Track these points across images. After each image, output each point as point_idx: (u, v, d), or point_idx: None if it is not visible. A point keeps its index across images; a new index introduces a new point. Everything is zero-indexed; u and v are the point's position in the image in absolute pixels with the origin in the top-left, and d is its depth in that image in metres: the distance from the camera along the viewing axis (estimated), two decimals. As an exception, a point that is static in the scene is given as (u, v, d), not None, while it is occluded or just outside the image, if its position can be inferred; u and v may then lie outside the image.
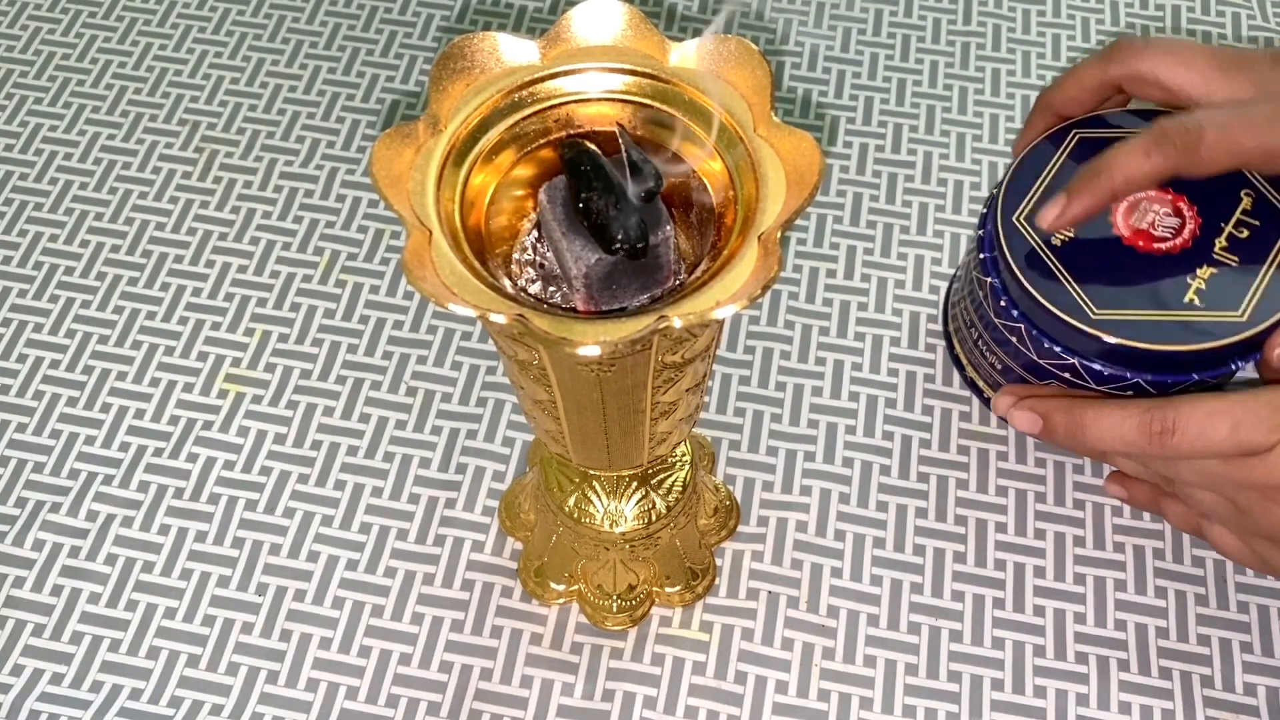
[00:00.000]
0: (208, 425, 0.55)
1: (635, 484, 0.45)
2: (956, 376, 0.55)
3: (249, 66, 0.66)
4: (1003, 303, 0.48)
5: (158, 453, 0.54)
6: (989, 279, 0.49)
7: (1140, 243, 0.47)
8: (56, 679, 0.49)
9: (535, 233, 0.35)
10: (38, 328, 0.58)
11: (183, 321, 0.58)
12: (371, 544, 0.52)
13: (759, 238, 0.30)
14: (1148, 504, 0.50)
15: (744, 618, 0.50)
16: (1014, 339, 0.49)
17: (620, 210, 0.31)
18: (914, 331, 0.57)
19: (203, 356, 0.57)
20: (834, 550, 0.51)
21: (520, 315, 0.29)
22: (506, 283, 0.34)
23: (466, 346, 0.57)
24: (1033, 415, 0.47)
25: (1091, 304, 0.46)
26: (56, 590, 0.51)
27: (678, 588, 0.50)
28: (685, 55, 0.34)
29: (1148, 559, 0.51)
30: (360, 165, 0.62)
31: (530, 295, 0.34)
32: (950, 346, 0.55)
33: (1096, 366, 0.47)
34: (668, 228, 0.33)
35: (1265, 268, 0.46)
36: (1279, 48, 0.46)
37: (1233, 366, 0.47)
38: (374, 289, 0.59)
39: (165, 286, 0.59)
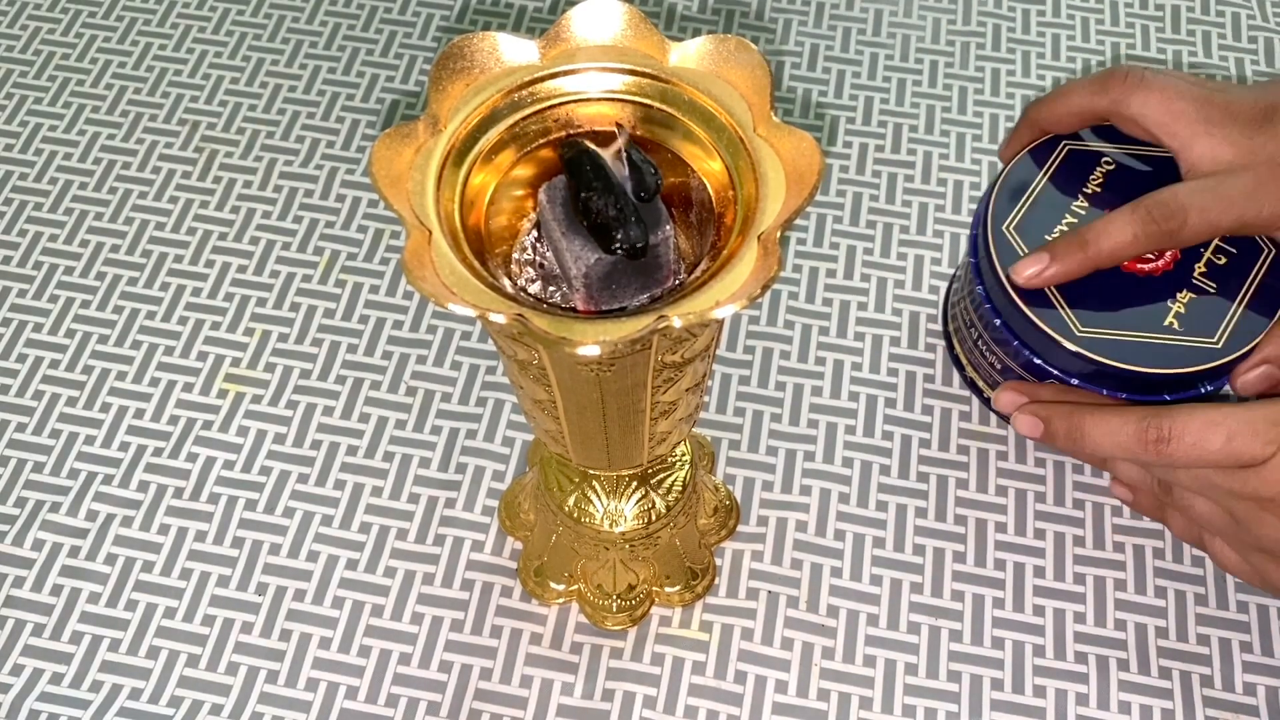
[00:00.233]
0: (208, 425, 0.55)
1: (635, 484, 0.45)
2: (956, 376, 0.56)
3: (249, 66, 0.66)
4: (986, 308, 0.49)
5: (158, 452, 0.54)
6: (976, 286, 0.49)
7: (1125, 261, 0.47)
8: (56, 679, 0.49)
9: (535, 233, 0.35)
10: (38, 328, 0.58)
11: (183, 321, 0.58)
12: (371, 544, 0.52)
13: (759, 237, 0.30)
14: (1150, 512, 0.51)
15: (744, 617, 0.50)
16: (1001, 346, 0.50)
17: (620, 210, 0.32)
18: (914, 331, 0.57)
19: (202, 356, 0.57)
20: (834, 550, 0.51)
21: (520, 315, 0.29)
22: (506, 283, 0.34)
23: (466, 346, 0.57)
24: (1034, 420, 0.48)
25: (1076, 320, 0.47)
26: (56, 590, 0.51)
27: (678, 587, 0.50)
28: (685, 55, 0.34)
29: (1148, 559, 0.51)
30: (360, 165, 0.62)
31: (530, 295, 0.34)
32: (950, 346, 0.55)
33: (1074, 381, 0.48)
34: (668, 228, 0.33)
35: (1240, 296, 0.47)
36: (1267, 96, 0.46)
37: (1202, 390, 0.48)
38: (374, 289, 0.59)
39: (165, 286, 0.59)
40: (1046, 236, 0.48)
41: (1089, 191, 0.50)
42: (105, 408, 0.55)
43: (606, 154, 0.33)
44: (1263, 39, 0.66)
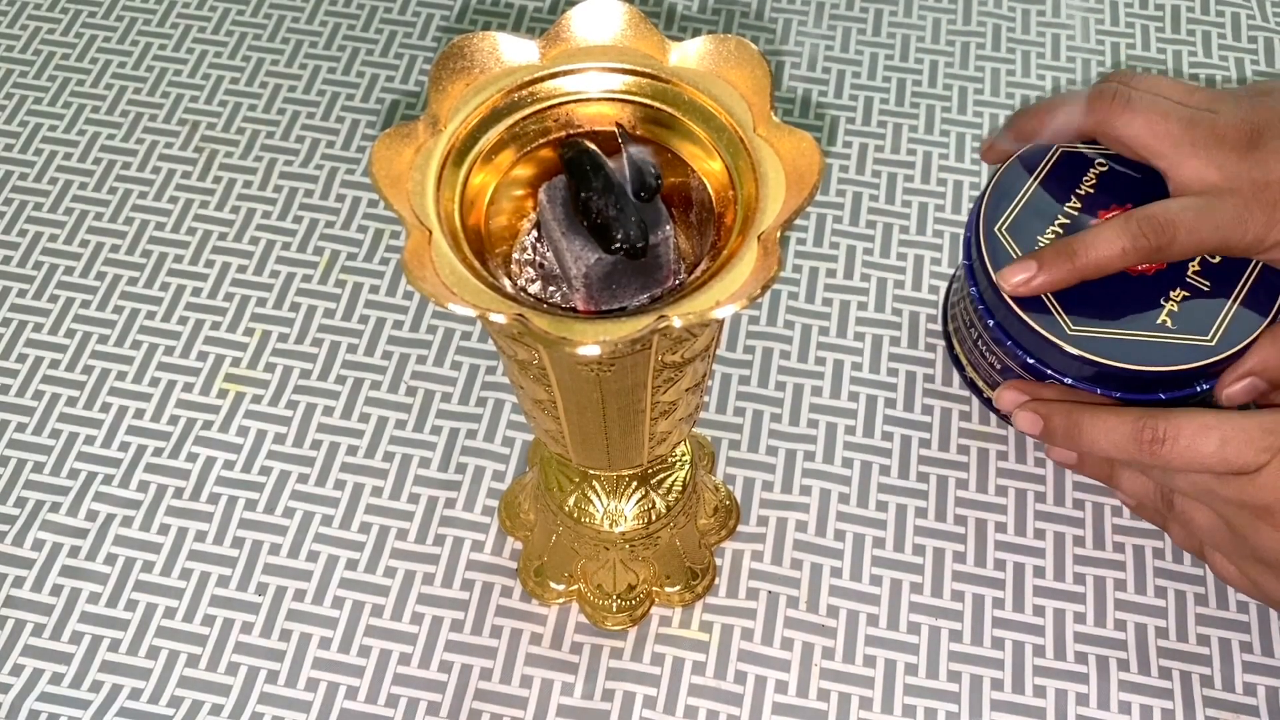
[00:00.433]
0: (208, 425, 0.55)
1: (635, 484, 0.45)
2: (956, 376, 0.56)
3: (249, 66, 0.66)
4: (980, 309, 0.49)
5: (158, 452, 0.54)
6: (970, 287, 0.49)
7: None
8: (56, 679, 0.49)
9: (535, 233, 0.35)
10: (38, 328, 0.58)
11: (183, 321, 0.58)
12: (371, 544, 0.52)
13: (759, 237, 0.30)
14: (1152, 522, 0.51)
15: (744, 618, 0.50)
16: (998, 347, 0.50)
17: (620, 210, 0.32)
18: (914, 331, 0.57)
19: (203, 356, 0.57)
20: (834, 550, 0.51)
21: (520, 315, 0.29)
22: (506, 283, 0.34)
23: (466, 346, 0.57)
24: (1034, 416, 0.48)
25: (1068, 320, 0.47)
26: (56, 590, 0.51)
27: (678, 587, 0.50)
28: (685, 55, 0.34)
29: (1148, 559, 0.51)
30: (360, 165, 0.62)
31: (530, 295, 0.34)
32: (950, 346, 0.55)
33: (1068, 380, 0.48)
34: (668, 228, 0.33)
35: (1234, 294, 0.47)
36: (1253, 117, 0.46)
37: (1198, 389, 0.48)
38: (374, 289, 0.59)
39: (165, 286, 0.59)
40: (1039, 238, 0.48)
41: (1082, 193, 0.50)
42: (105, 408, 0.55)
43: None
44: (1263, 39, 0.66)
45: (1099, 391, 0.48)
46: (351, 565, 0.51)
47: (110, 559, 0.52)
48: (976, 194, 0.60)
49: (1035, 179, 0.50)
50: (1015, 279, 0.47)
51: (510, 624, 0.50)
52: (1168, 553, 0.51)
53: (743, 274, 0.30)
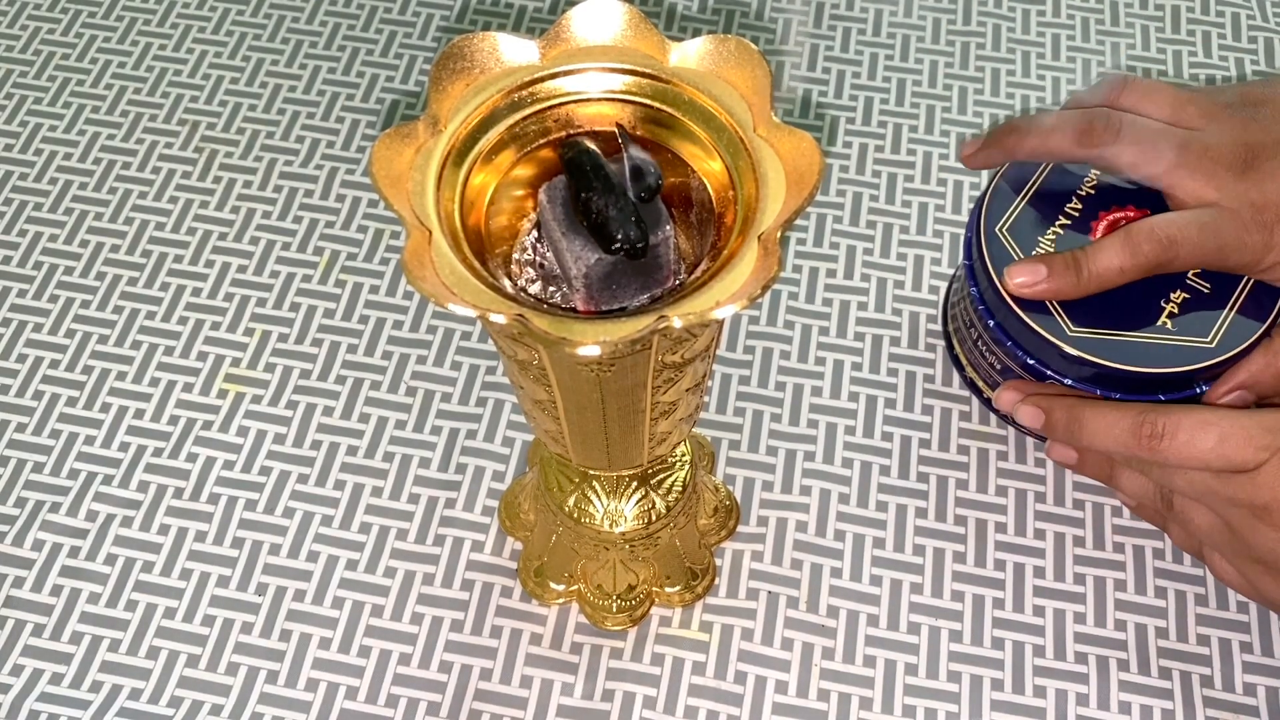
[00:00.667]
0: (208, 425, 0.55)
1: (635, 484, 0.45)
2: (956, 376, 0.56)
3: (249, 66, 0.66)
4: (981, 309, 0.49)
5: (158, 453, 0.54)
6: (970, 287, 0.49)
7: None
8: (56, 679, 0.49)
9: (535, 233, 0.35)
10: (38, 328, 0.58)
11: (183, 321, 0.58)
12: (371, 544, 0.52)
13: (759, 238, 0.30)
14: (1151, 523, 0.51)
15: (744, 618, 0.50)
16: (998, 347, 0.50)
17: (620, 210, 0.31)
18: (914, 331, 0.57)
19: (202, 356, 0.57)
20: (834, 550, 0.51)
21: (520, 315, 0.29)
22: (506, 283, 0.34)
23: (466, 346, 0.57)
24: (1035, 410, 0.48)
25: (1068, 320, 0.47)
26: (56, 590, 0.51)
27: (678, 588, 0.50)
28: (685, 55, 0.34)
29: (1148, 559, 0.51)
30: (360, 165, 0.62)
31: (530, 295, 0.34)
32: (950, 346, 0.55)
33: (1068, 381, 0.48)
34: (668, 228, 0.33)
35: (1234, 297, 0.47)
36: (1246, 136, 0.46)
37: (1197, 391, 0.48)
38: (374, 289, 0.59)
39: (165, 286, 0.59)
40: (1040, 239, 0.48)
41: (1083, 194, 0.50)
42: (105, 408, 0.55)
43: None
44: (1263, 39, 0.66)
45: (1098, 392, 0.48)
46: (351, 565, 0.51)
47: (110, 559, 0.52)
48: (977, 194, 0.61)
49: (1037, 179, 0.50)
50: (1019, 279, 0.47)
51: (510, 624, 0.50)
52: (1168, 553, 0.51)
53: (743, 274, 0.30)
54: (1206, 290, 0.47)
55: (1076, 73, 0.65)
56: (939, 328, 0.57)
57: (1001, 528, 0.52)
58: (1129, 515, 0.52)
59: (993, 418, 0.55)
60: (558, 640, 0.50)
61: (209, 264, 0.59)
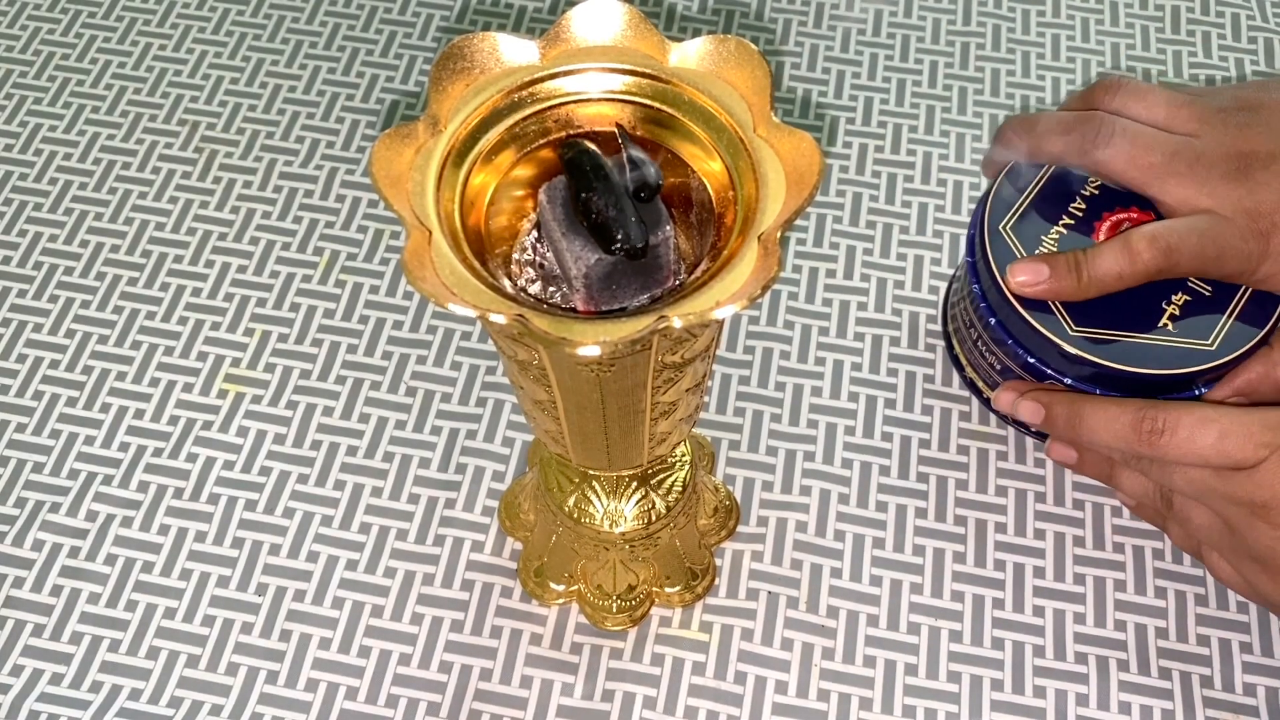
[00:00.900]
0: (207, 425, 0.55)
1: (635, 484, 0.45)
2: (956, 376, 0.56)
3: (249, 66, 0.66)
4: (982, 307, 0.49)
5: (157, 453, 0.54)
6: (972, 285, 0.49)
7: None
8: (56, 679, 0.49)
9: (535, 233, 0.35)
10: (38, 328, 0.58)
11: (182, 321, 0.58)
12: (371, 544, 0.52)
13: (759, 238, 0.30)
14: (1151, 523, 0.51)
15: (744, 618, 0.50)
16: (999, 346, 0.50)
17: (620, 210, 0.32)
18: (914, 331, 0.57)
19: (202, 356, 0.57)
20: (834, 550, 0.51)
21: (520, 315, 0.29)
22: (506, 283, 0.34)
23: (466, 346, 0.57)
24: (1036, 405, 0.48)
25: (1069, 320, 0.47)
26: (56, 590, 0.51)
27: (678, 588, 0.50)
28: (685, 55, 0.34)
29: (1147, 559, 0.51)
30: (360, 165, 0.62)
31: (530, 295, 0.34)
32: (950, 346, 0.55)
33: (1068, 380, 0.48)
34: (668, 228, 0.33)
35: (1235, 299, 0.47)
36: (1239, 143, 0.46)
37: (1197, 392, 0.48)
38: (374, 289, 0.59)
39: (165, 286, 0.59)
40: (1042, 238, 0.48)
41: (1086, 193, 0.50)
42: (105, 408, 0.55)
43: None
44: (1263, 39, 0.66)
45: (1098, 393, 0.48)
46: (351, 565, 0.51)
47: (110, 559, 0.52)
48: (977, 194, 0.61)
49: (1040, 178, 0.50)
50: (1021, 277, 0.47)
51: (510, 624, 0.50)
52: (1168, 553, 0.51)
53: (743, 274, 0.30)
54: (1208, 293, 0.47)
55: (1076, 73, 0.65)
56: (939, 328, 0.57)
57: (1001, 528, 0.52)
58: (1129, 515, 0.52)
59: (993, 418, 0.55)
60: (558, 640, 0.50)
61: (209, 264, 0.59)
